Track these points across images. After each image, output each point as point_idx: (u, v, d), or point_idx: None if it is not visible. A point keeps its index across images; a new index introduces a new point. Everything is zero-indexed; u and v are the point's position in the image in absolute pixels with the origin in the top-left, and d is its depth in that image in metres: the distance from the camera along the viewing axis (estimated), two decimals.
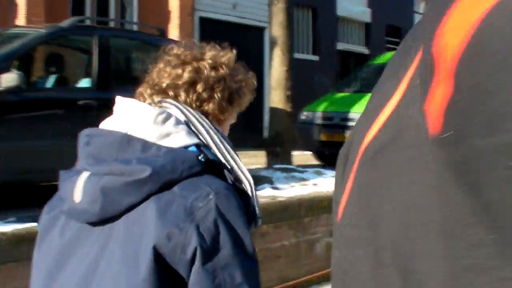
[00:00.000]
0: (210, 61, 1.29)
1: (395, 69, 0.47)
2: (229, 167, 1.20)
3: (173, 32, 11.02)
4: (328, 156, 9.33)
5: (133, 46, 7.06)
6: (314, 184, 7.02)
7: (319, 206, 6.65)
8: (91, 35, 6.10)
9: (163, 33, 7.17)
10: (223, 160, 1.21)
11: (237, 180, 1.20)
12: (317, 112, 9.17)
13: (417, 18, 17.86)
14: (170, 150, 1.14)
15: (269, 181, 6.85)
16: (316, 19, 14.79)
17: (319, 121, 9.03)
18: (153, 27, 7.60)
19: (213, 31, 11.08)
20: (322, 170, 7.77)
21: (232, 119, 1.38)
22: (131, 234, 1.10)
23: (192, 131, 1.20)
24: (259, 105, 12.01)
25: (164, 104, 1.24)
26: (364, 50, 15.79)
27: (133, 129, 1.15)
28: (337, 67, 15.00)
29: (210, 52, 1.31)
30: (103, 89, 5.75)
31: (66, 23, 5.96)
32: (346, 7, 15.17)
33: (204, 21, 11.99)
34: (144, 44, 6.76)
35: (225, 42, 1.38)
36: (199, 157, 1.13)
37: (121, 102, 1.21)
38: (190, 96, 1.25)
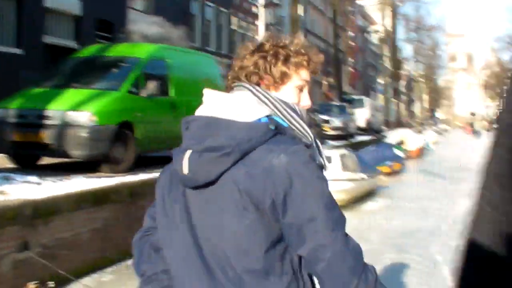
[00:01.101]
0: (266, 47, 1.65)
1: None
2: (294, 128, 1.57)
3: None
4: (24, 158, 8.34)
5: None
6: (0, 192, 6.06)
7: (4, 217, 5.73)
8: None
9: None
10: (289, 124, 1.57)
11: (303, 137, 1.57)
12: (9, 110, 8.09)
13: (131, 13, 17.58)
14: (246, 124, 1.51)
15: None
16: (21, 10, 13.43)
17: (11, 119, 7.97)
18: None
19: None
20: (12, 174, 6.79)
21: (294, 83, 1.64)
22: (229, 191, 1.48)
23: (262, 105, 1.57)
24: None
25: (238, 87, 1.64)
26: (74, 45, 14.88)
27: (217, 112, 1.54)
28: (45, 62, 13.80)
29: (264, 40, 1.68)
30: None
31: None
32: None
33: None
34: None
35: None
36: (269, 126, 1.51)
37: (207, 93, 1.62)
38: (254, 79, 1.63)
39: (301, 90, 1.67)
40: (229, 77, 1.70)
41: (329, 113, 23.62)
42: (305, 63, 1.65)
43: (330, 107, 25.86)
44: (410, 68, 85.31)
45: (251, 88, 1.60)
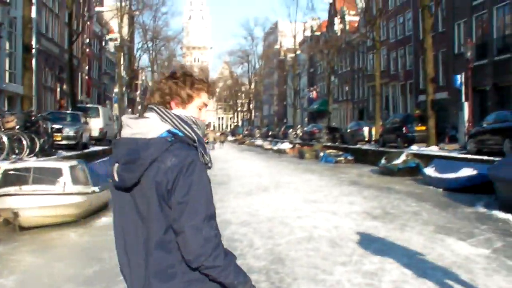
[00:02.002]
0: (177, 75, 2.29)
1: None
2: (187, 136, 2.16)
3: None
4: None
5: None
6: None
7: None
8: None
9: None
10: (184, 133, 2.16)
11: (194, 143, 2.17)
12: None
13: None
14: (151, 139, 2.12)
15: None
16: None
17: None
18: None
19: None
20: None
21: (196, 103, 2.28)
22: (147, 189, 2.10)
23: (164, 122, 2.16)
24: None
25: (149, 109, 2.24)
26: None
27: (133, 133, 2.16)
28: None
29: (176, 69, 2.34)
30: None
31: None
32: None
33: None
34: None
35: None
36: (167, 138, 2.11)
37: (125, 119, 2.23)
38: (167, 98, 2.25)
39: (200, 109, 2.30)
40: (146, 98, 2.31)
41: (61, 121, 22.25)
42: (205, 89, 2.29)
43: (62, 115, 24.43)
44: (146, 77, 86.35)
45: (156, 109, 2.20)
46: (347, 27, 58.75)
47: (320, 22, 62.88)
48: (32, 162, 12.27)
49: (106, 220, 11.27)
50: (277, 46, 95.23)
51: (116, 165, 2.14)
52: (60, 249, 9.19)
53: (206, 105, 2.30)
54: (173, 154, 2.06)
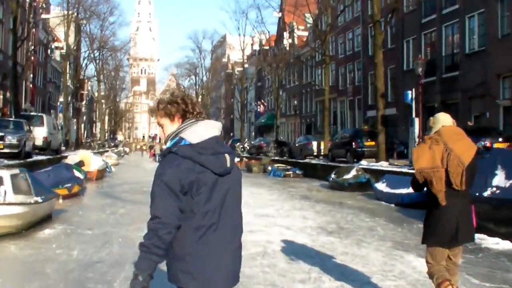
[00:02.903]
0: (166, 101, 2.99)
1: None
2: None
3: None
4: None
5: None
6: None
7: None
8: None
9: None
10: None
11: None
12: None
13: None
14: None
15: None
16: None
17: None
18: None
19: None
20: None
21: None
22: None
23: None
24: None
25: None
26: None
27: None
28: None
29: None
30: None
31: None
32: None
33: None
34: None
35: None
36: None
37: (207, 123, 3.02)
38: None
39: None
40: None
41: (3, 129, 21.29)
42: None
43: (5, 122, 23.41)
44: (92, 87, 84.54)
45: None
46: (296, 42, 59.20)
47: (269, 36, 63.33)
48: None
49: (49, 232, 10.65)
50: (225, 60, 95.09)
51: (226, 155, 2.83)
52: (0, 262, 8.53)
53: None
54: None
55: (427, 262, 4.95)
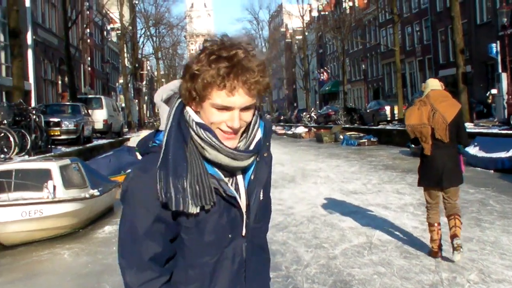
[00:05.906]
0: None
1: None
2: None
3: None
4: None
5: None
6: None
7: None
8: None
9: None
10: None
11: None
12: None
13: None
14: None
15: None
16: None
17: None
18: None
19: None
20: None
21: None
22: None
23: None
24: None
25: None
26: None
27: None
28: None
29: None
30: None
31: None
32: None
33: None
34: None
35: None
36: None
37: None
38: None
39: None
40: None
41: (59, 114, 20.22)
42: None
43: (61, 107, 22.43)
44: (151, 67, 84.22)
45: None
46: (357, 3, 56.36)
47: (327, 0, 60.49)
48: (15, 164, 10.19)
49: (110, 229, 9.22)
50: (283, 29, 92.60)
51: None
52: (49, 277, 7.05)
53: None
54: None
55: (426, 201, 6.35)
